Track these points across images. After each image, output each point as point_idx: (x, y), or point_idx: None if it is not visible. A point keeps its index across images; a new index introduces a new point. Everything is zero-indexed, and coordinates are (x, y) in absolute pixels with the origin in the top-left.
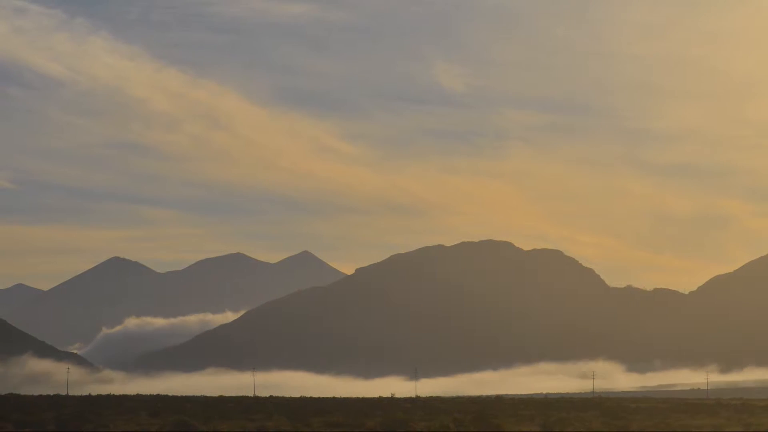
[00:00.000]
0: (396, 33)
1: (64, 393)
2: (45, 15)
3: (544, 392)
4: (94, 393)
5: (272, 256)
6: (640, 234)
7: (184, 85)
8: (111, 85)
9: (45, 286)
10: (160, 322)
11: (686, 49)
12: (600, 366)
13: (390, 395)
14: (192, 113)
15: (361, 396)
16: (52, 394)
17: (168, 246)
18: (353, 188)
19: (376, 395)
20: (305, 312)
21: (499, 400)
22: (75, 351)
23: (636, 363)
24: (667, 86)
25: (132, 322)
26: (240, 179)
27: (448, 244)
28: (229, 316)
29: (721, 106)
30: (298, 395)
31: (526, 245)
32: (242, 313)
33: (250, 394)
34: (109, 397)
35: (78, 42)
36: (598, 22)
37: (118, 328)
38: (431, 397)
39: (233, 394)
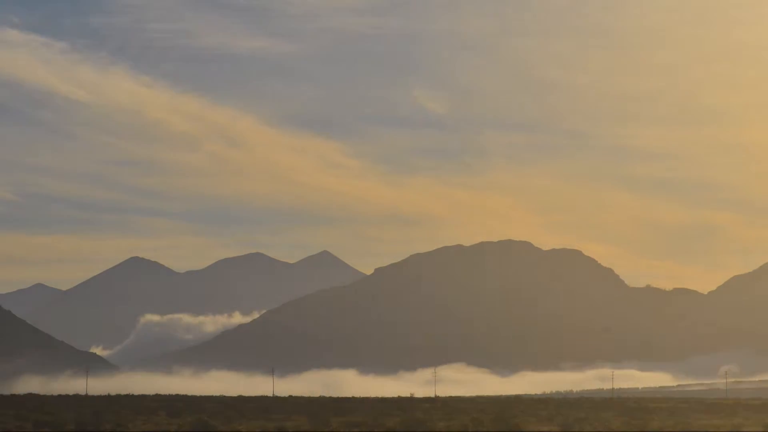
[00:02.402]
0: (368, 62)
1: (83, 393)
2: (69, 50)
3: (563, 391)
4: (113, 393)
5: (291, 256)
6: (642, 242)
7: (201, 108)
8: (132, 108)
9: (64, 286)
10: (179, 321)
11: (647, 80)
12: (619, 365)
13: (409, 395)
14: (209, 133)
15: (380, 395)
16: (71, 394)
17: (186, 250)
18: (365, 200)
19: (396, 394)
20: (324, 311)
21: (518, 399)
22: (94, 351)
23: (655, 362)
24: (633, 112)
25: (151, 322)
26: (257, 193)
27: (467, 244)
28: (249, 316)
29: (687, 129)
30: (317, 395)
31: (545, 245)
32: (262, 312)
33: (270, 394)
34: (128, 397)
35: (100, 72)
36: (563, 53)
37: (137, 327)
38: (450, 397)
39: (253, 394)
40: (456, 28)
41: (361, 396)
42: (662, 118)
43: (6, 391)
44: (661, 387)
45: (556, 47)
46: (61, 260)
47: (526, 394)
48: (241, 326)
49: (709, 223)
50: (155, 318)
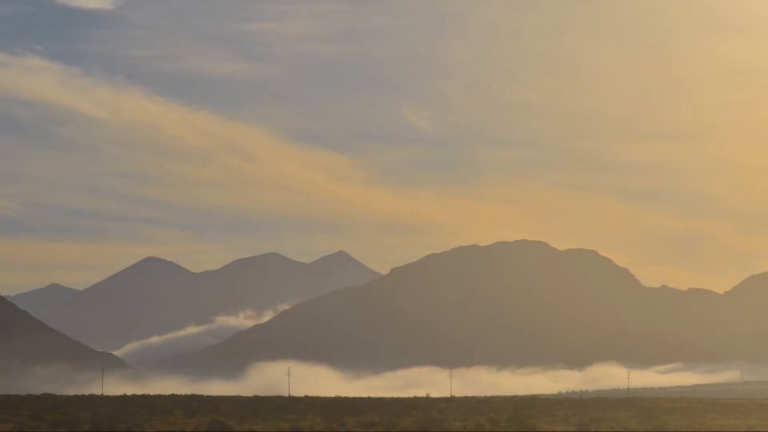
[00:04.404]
0: (346, 83)
1: (99, 393)
2: (87, 74)
3: (579, 391)
4: (128, 393)
5: (307, 256)
6: (642, 248)
7: (214, 124)
8: (149, 125)
9: (80, 286)
10: (194, 321)
11: (628, 100)
12: (635, 365)
13: (425, 395)
14: (222, 148)
15: (395, 396)
16: (86, 394)
17: (202, 254)
18: (376, 208)
19: (411, 395)
20: (340, 312)
21: (534, 399)
22: (110, 351)
23: (671, 362)
24: (613, 130)
25: (167, 322)
26: (271, 202)
27: (482, 244)
28: (265, 316)
29: (667, 145)
30: (333, 395)
31: (561, 245)
32: (278, 313)
33: (285, 394)
34: (144, 397)
35: (117, 93)
36: (540, 74)
37: (152, 327)
38: (466, 397)
39: (268, 393)
40: (426, 53)
41: (377, 396)
42: (641, 135)
43: (22, 391)
44: (676, 387)
45: (525, 70)
46: (78, 265)
47: (541, 394)
48: (256, 326)
49: (703, 231)
50: (171, 318)
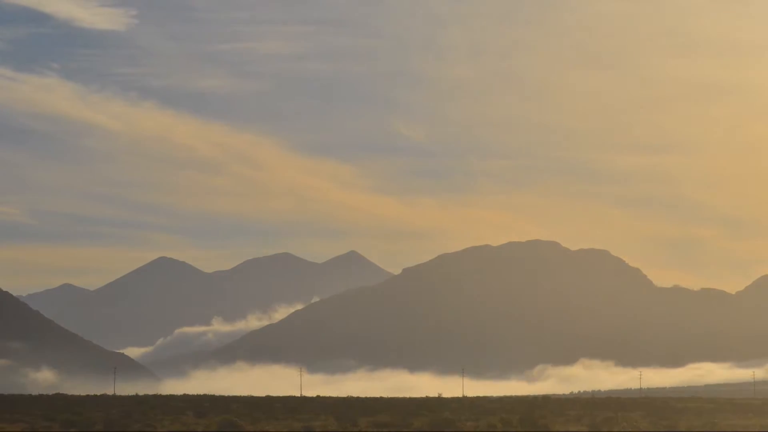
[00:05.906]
0: (340, 98)
1: (110, 393)
2: (101, 89)
3: (591, 391)
4: (140, 393)
5: (319, 256)
6: (646, 252)
7: (225, 135)
8: (163, 136)
9: (92, 286)
10: (206, 321)
11: (613, 114)
12: (647, 364)
13: (437, 395)
14: (232, 158)
15: (408, 395)
16: (99, 394)
17: (213, 255)
18: (385, 213)
19: (423, 395)
20: (353, 312)
21: (546, 399)
22: (122, 351)
23: (683, 362)
24: (602, 142)
25: (178, 322)
26: (281, 209)
27: (494, 244)
28: (277, 316)
29: (657, 156)
30: (345, 395)
31: (573, 245)
32: (289, 312)
33: (297, 394)
34: (156, 397)
35: (132, 106)
36: (527, 89)
37: (164, 328)
38: (478, 397)
39: (280, 393)
40: (405, 70)
41: (389, 396)
42: (622, 147)
43: (34, 391)
44: (688, 386)
45: (510, 87)
46: (91, 267)
47: (553, 394)
48: (269, 326)
49: (701, 236)
50: (182, 318)
